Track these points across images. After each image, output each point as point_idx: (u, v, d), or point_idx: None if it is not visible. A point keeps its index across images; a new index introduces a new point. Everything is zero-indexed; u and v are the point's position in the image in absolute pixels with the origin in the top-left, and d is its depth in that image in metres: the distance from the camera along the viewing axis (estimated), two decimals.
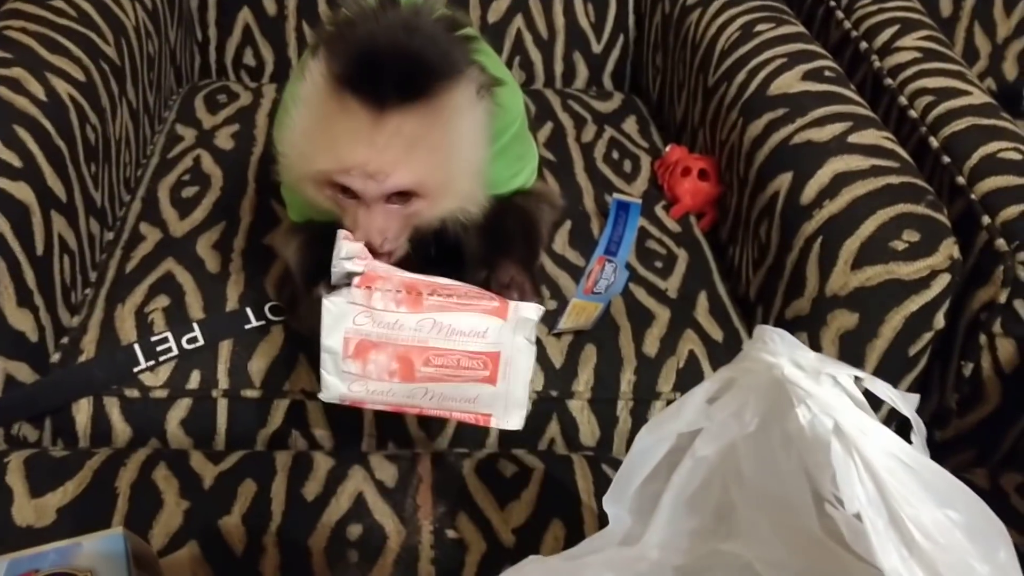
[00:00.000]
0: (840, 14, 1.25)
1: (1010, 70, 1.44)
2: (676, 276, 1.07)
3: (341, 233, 0.75)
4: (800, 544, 0.56)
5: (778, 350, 0.45)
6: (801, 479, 0.53)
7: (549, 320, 0.96)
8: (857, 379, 0.45)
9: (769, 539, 0.58)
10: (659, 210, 1.18)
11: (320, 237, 0.80)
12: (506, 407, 0.75)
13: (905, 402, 0.43)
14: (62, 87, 0.99)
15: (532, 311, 0.74)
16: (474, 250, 0.89)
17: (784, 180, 0.99)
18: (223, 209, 1.10)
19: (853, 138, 0.97)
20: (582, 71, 1.47)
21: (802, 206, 0.95)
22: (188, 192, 1.13)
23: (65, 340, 0.95)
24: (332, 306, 0.72)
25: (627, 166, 1.26)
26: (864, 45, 1.18)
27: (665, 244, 1.12)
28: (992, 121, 0.99)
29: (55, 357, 0.94)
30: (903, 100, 1.07)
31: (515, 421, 0.76)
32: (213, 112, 1.30)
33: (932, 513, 0.40)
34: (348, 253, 0.73)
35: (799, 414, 0.45)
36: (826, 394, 0.43)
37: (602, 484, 0.85)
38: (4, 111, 0.92)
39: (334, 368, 0.74)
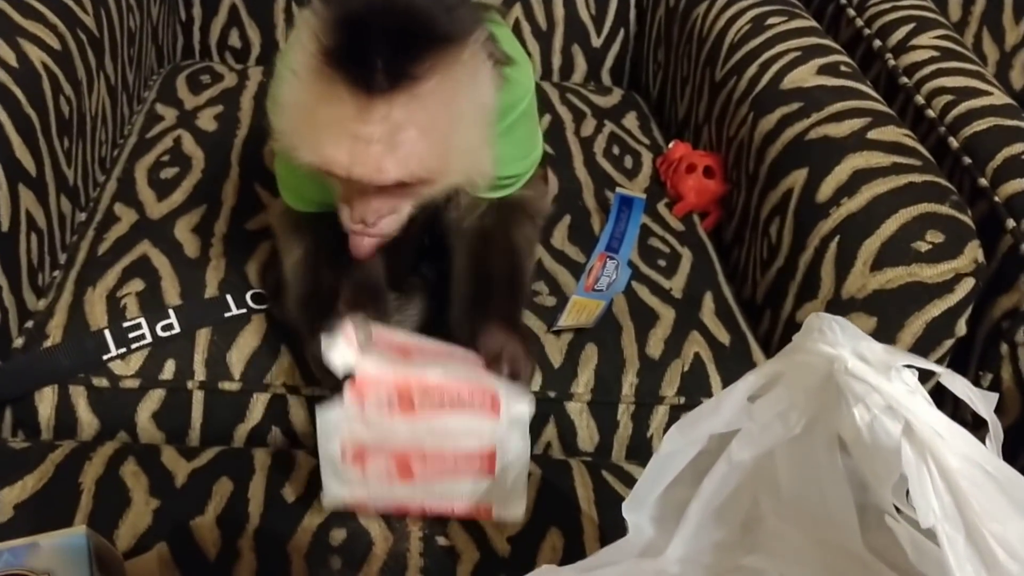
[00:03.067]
0: (852, 12, 1.21)
1: (1017, 79, 1.40)
2: (680, 275, 1.02)
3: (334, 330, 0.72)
4: (836, 561, 0.51)
5: (838, 340, 0.39)
6: (844, 490, 0.48)
7: (548, 317, 0.92)
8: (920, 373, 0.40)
9: (801, 554, 0.53)
10: (662, 208, 1.13)
11: (325, 257, 0.80)
12: (507, 498, 0.76)
13: (984, 402, 0.38)
14: (35, 54, 0.93)
15: (524, 406, 0.73)
16: (460, 280, 0.85)
17: (799, 177, 0.94)
18: (204, 192, 1.04)
19: (872, 134, 0.93)
20: (580, 65, 1.43)
21: (818, 204, 0.91)
22: (167, 173, 1.07)
23: (30, 324, 0.89)
24: (328, 416, 0.72)
25: (628, 162, 1.21)
26: (878, 43, 1.13)
27: (668, 242, 1.07)
28: (1015, 122, 0.95)
29: (18, 342, 0.88)
30: (920, 99, 1.03)
31: (516, 511, 0.76)
32: (196, 92, 1.24)
33: (1020, 529, 0.35)
34: (337, 355, 0.71)
35: (856, 415, 0.40)
36: (897, 391, 0.38)
37: (603, 492, 0.81)
38: None
39: (334, 474, 0.74)
